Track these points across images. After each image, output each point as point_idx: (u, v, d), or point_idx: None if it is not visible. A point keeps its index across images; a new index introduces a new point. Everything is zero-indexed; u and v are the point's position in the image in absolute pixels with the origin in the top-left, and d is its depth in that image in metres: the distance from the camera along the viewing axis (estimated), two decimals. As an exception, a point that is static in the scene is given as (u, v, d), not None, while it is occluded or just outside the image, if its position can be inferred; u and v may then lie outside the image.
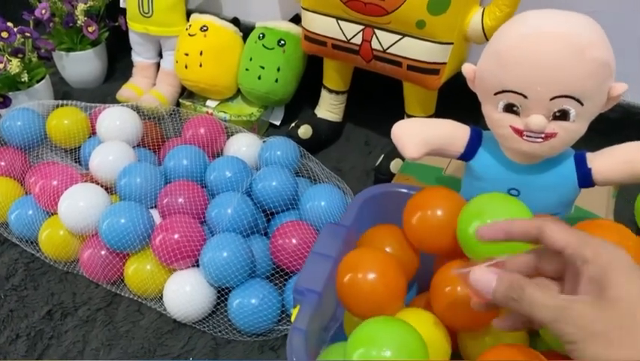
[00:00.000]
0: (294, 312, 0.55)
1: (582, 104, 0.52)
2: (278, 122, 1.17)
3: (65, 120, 0.98)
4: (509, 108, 0.55)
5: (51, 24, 1.19)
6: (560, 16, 0.52)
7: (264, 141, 0.97)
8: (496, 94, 0.55)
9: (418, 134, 0.62)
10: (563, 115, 0.53)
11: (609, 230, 0.51)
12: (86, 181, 0.89)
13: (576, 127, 0.54)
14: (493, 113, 0.57)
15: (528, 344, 0.56)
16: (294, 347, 0.50)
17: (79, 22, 1.18)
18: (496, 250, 0.51)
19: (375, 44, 0.91)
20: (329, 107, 1.11)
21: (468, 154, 0.62)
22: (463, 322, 0.54)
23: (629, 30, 0.93)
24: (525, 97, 0.53)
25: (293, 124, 1.09)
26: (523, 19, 0.53)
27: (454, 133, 0.62)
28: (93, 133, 1.00)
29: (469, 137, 0.62)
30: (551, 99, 0.52)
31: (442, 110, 0.94)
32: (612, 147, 0.59)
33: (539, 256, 0.45)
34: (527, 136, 0.55)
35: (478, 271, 0.43)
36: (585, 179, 0.59)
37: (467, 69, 0.58)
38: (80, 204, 0.82)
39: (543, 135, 0.55)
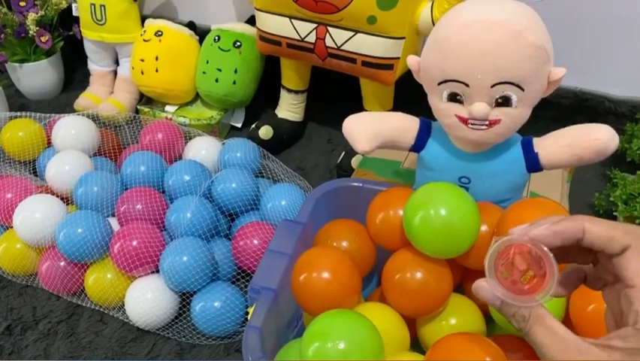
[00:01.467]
0: (251, 311, 0.55)
1: (523, 89, 0.53)
2: (239, 125, 1.16)
3: (20, 132, 0.97)
4: (453, 97, 0.56)
5: (2, 35, 1.16)
6: (495, 4, 0.53)
7: (223, 143, 0.96)
8: (439, 84, 0.56)
9: (368, 128, 0.62)
10: (505, 101, 0.54)
11: (543, 207, 0.52)
12: (41, 192, 0.87)
13: (519, 112, 0.55)
14: (438, 103, 0.57)
15: (485, 328, 0.57)
16: (250, 346, 0.50)
17: (31, 32, 1.16)
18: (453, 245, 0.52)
19: (329, 42, 0.91)
20: (289, 107, 1.11)
21: (418, 145, 0.63)
22: (415, 307, 0.55)
23: (580, 19, 0.95)
24: (467, 85, 0.54)
25: (253, 125, 1.09)
26: (461, 9, 0.54)
27: (404, 125, 0.63)
28: (49, 144, 0.99)
29: (419, 128, 0.63)
30: (492, 86, 0.53)
31: (401, 105, 0.95)
32: (557, 130, 0.60)
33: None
34: (472, 124, 0.56)
35: (483, 287, 0.38)
36: (533, 163, 0.60)
37: (411, 61, 0.59)
38: (35, 216, 0.81)
39: (487, 122, 0.55)
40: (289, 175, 0.96)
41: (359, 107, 1.02)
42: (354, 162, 0.99)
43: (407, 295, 0.55)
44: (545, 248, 0.36)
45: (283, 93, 1.10)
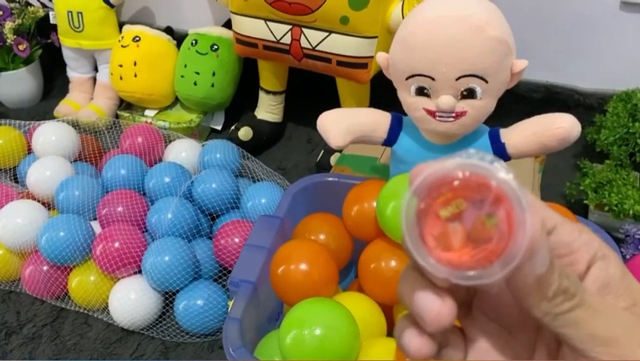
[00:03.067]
0: (230, 304, 0.56)
1: (486, 81, 0.56)
2: (219, 127, 1.18)
3: (-1, 140, 0.97)
4: (421, 91, 0.58)
5: (-21, 45, 1.17)
6: (457, 0, 0.55)
7: (203, 145, 0.98)
8: (407, 79, 0.58)
9: (341, 124, 0.64)
10: (470, 93, 0.56)
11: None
12: (22, 198, 0.88)
13: (484, 104, 0.57)
14: (406, 97, 0.59)
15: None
16: (230, 337, 0.52)
17: (8, 40, 1.16)
18: None
19: (304, 43, 0.93)
20: (268, 109, 1.13)
21: (390, 139, 0.65)
22: (391, 295, 0.57)
23: (547, 17, 0.98)
24: (433, 79, 0.56)
25: (233, 127, 1.10)
26: (425, 5, 0.56)
27: (376, 120, 0.65)
28: (30, 151, 0.99)
29: (390, 122, 0.65)
30: (457, 79, 0.55)
31: (377, 103, 0.97)
32: (523, 121, 0.62)
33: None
34: (439, 116, 0.58)
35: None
36: (500, 153, 0.63)
37: (381, 58, 0.61)
38: (17, 221, 0.82)
39: (454, 114, 0.58)
40: (269, 174, 0.97)
41: (337, 107, 1.03)
42: (333, 159, 1.01)
43: (382, 284, 0.56)
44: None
45: (262, 95, 1.12)
